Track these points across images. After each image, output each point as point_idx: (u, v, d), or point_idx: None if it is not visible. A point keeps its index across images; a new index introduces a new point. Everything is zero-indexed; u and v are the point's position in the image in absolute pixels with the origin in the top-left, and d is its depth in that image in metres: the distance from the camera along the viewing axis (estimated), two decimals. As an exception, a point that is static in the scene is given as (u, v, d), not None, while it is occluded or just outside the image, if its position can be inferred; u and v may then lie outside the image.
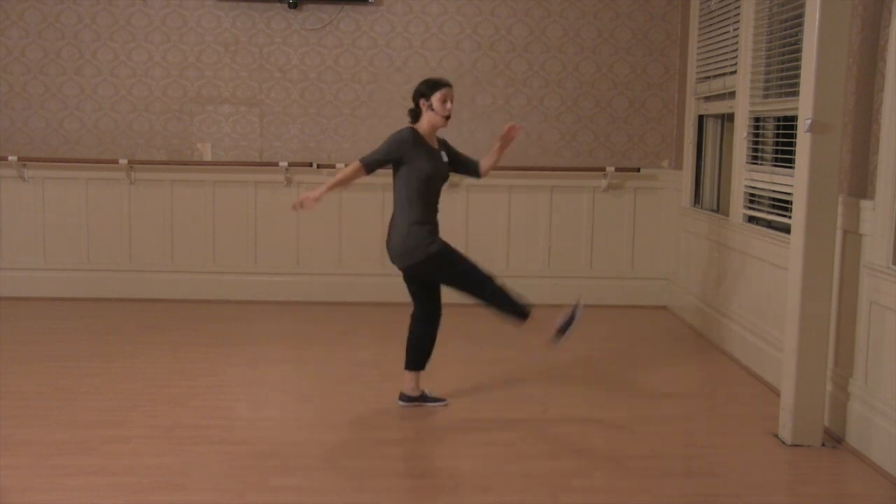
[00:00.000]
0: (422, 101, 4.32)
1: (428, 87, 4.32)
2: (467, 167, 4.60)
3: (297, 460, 3.79)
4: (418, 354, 4.50)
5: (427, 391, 4.57)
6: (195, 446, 3.90)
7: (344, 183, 4.32)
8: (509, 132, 4.48)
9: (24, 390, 4.63)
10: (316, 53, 6.85)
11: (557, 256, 7.02)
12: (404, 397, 4.53)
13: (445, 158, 4.45)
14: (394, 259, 4.38)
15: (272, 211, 6.90)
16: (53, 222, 6.88)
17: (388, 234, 4.40)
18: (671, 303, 6.94)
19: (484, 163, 4.61)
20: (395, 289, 6.82)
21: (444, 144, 4.49)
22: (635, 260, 7.05)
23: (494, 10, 6.84)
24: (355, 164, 4.28)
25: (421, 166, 4.27)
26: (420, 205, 4.30)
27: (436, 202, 4.41)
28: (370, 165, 4.27)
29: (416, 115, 4.38)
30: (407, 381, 4.52)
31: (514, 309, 4.29)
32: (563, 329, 4.30)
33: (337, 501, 3.43)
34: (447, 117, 4.34)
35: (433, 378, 4.67)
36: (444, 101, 4.30)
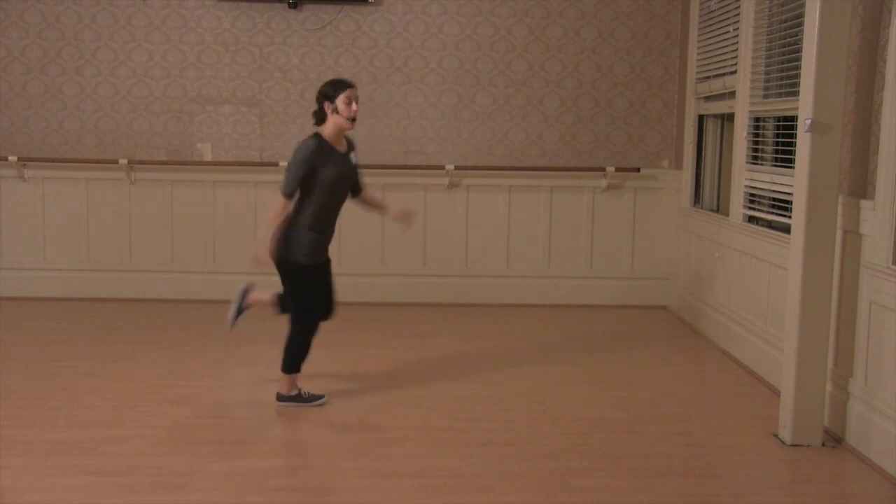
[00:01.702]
0: (326, 104, 4.23)
1: (332, 89, 4.23)
2: (355, 186, 4.53)
3: (297, 460, 3.79)
4: (294, 357, 4.46)
5: (304, 390, 4.52)
6: (195, 446, 3.90)
7: (275, 222, 4.24)
8: (404, 218, 4.62)
9: (24, 390, 4.63)
10: (316, 53, 6.85)
11: (557, 256, 7.01)
12: (280, 397, 4.49)
13: (355, 160, 4.40)
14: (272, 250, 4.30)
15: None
16: (53, 222, 6.89)
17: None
18: (671, 303, 6.94)
19: (370, 197, 4.63)
20: (396, 289, 6.85)
21: (352, 146, 4.44)
22: (635, 260, 7.05)
23: (494, 10, 6.85)
24: (280, 201, 4.21)
25: (327, 174, 4.22)
26: (315, 209, 4.27)
27: (335, 209, 4.38)
28: (288, 192, 4.21)
29: (321, 117, 4.29)
30: (284, 382, 4.48)
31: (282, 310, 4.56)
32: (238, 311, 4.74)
33: (337, 501, 3.43)
34: (353, 119, 4.25)
35: (433, 377, 4.66)
36: (349, 103, 4.22)
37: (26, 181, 6.84)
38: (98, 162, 6.79)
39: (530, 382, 4.98)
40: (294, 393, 4.48)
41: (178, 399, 4.54)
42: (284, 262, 4.32)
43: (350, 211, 6.89)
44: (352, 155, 4.41)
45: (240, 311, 4.79)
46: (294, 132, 6.90)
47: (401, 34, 6.84)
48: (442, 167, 6.80)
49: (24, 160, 6.78)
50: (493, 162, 6.93)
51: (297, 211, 4.29)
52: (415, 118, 6.87)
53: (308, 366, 4.66)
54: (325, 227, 4.38)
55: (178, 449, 3.87)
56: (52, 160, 6.81)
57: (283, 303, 4.55)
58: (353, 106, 4.24)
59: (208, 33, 6.82)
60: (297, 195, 4.27)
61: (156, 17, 6.80)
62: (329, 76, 6.83)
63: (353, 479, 3.60)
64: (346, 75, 6.85)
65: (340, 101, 4.21)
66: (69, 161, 6.81)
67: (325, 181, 4.24)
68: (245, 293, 4.78)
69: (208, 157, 6.90)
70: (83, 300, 6.79)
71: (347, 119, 4.23)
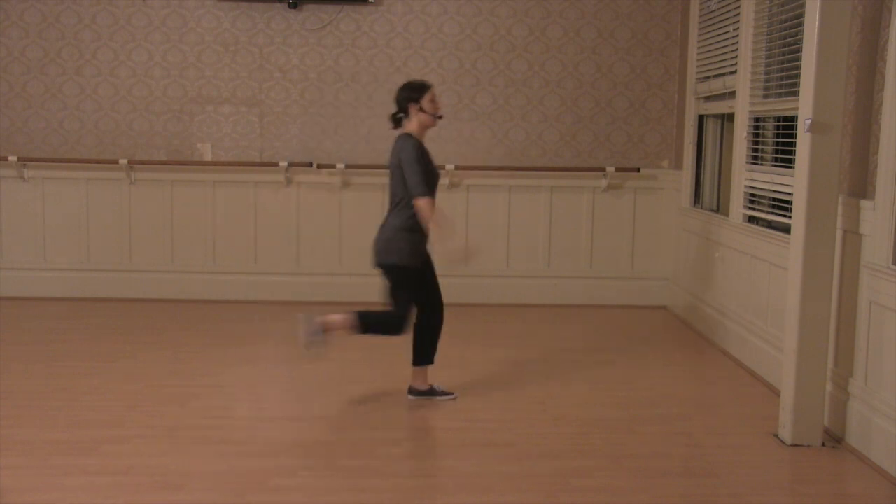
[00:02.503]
0: (411, 106, 4.37)
1: (415, 91, 4.39)
2: None
3: (297, 460, 3.79)
4: (424, 348, 4.57)
5: (436, 385, 4.64)
6: (195, 446, 3.90)
7: (433, 216, 4.29)
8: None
9: (24, 390, 4.63)
10: (316, 53, 6.85)
11: (557, 256, 7.02)
12: (413, 391, 4.59)
13: None
14: (374, 254, 4.41)
15: (272, 211, 6.90)
16: (53, 222, 6.89)
17: (378, 234, 4.43)
18: (671, 303, 6.94)
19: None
20: (395, 289, 6.85)
21: None
22: (635, 260, 7.06)
23: (494, 10, 6.85)
24: (426, 201, 4.24)
25: (427, 172, 4.33)
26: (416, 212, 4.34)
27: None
28: (426, 192, 4.26)
29: (399, 120, 4.44)
30: (415, 376, 4.59)
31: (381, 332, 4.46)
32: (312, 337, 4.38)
33: (337, 501, 3.43)
34: (440, 117, 4.43)
35: (433, 378, 4.67)
36: (433, 102, 4.39)
37: (26, 181, 6.84)
38: (98, 162, 6.79)
39: (530, 382, 4.98)
40: (426, 388, 4.61)
41: (178, 399, 4.54)
42: (392, 267, 4.36)
43: (349, 211, 6.92)
44: None
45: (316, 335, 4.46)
46: (294, 132, 6.90)
47: (401, 34, 6.85)
48: (442, 167, 6.78)
49: (24, 160, 6.78)
50: (493, 162, 6.93)
51: (399, 216, 4.35)
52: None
53: (308, 365, 4.68)
54: (425, 229, 4.40)
55: (178, 449, 3.87)
56: (52, 160, 6.81)
57: (365, 323, 4.45)
58: (438, 104, 4.43)
59: (208, 33, 6.82)
60: (398, 201, 4.34)
61: (156, 17, 6.80)
62: (329, 76, 6.86)
63: (353, 479, 3.60)
64: (345, 75, 6.87)
65: (426, 100, 4.37)
66: (69, 161, 6.81)
67: (430, 176, 4.33)
68: (316, 327, 4.39)
69: (208, 157, 6.90)
70: (83, 300, 6.80)
71: (434, 117, 4.39)
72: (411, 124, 4.41)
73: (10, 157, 6.71)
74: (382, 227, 4.43)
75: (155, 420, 4.23)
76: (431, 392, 4.62)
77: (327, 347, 4.43)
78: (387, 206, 4.47)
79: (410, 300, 4.43)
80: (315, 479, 3.61)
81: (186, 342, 5.70)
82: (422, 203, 4.26)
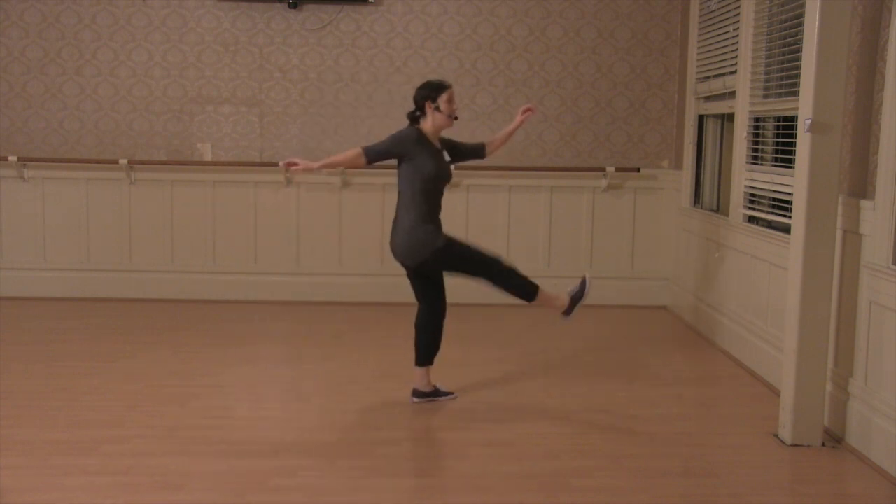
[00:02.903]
0: (427, 104, 4.37)
1: (433, 90, 4.39)
2: (475, 151, 4.72)
3: (297, 460, 3.79)
4: (427, 350, 4.57)
5: (439, 385, 4.65)
6: (195, 446, 3.90)
7: (339, 164, 4.41)
8: (525, 114, 4.70)
9: (24, 390, 4.63)
10: (316, 53, 6.85)
11: (557, 256, 7.01)
12: (417, 393, 4.59)
13: (448, 158, 4.51)
14: (399, 256, 4.43)
15: (272, 211, 6.90)
16: (53, 222, 6.89)
17: (393, 233, 4.44)
18: (671, 303, 6.94)
19: (491, 143, 4.77)
20: (395, 289, 6.82)
21: (445, 143, 4.54)
22: (635, 260, 7.06)
23: (494, 10, 6.85)
24: (356, 150, 4.33)
25: (426, 165, 4.32)
26: (424, 204, 4.35)
27: (439, 201, 4.46)
28: (370, 154, 4.31)
29: (415, 118, 4.44)
30: (418, 378, 4.58)
31: (523, 288, 4.40)
32: (574, 302, 4.44)
33: (337, 501, 3.43)
34: (455, 118, 4.43)
35: (433, 379, 4.66)
36: (450, 102, 4.39)
37: (26, 181, 6.84)
38: (98, 162, 6.79)
39: (530, 382, 4.98)
40: (430, 389, 4.61)
41: (178, 399, 4.54)
42: (434, 258, 4.34)
43: (348, 212, 6.92)
44: (444, 153, 4.49)
45: (576, 300, 4.50)
46: (294, 132, 6.91)
47: (401, 34, 6.85)
48: (442, 167, 6.79)
49: (24, 160, 6.78)
50: (493, 162, 6.90)
51: (410, 212, 4.34)
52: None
53: (308, 365, 4.68)
54: (435, 217, 4.42)
55: (178, 449, 3.87)
56: (52, 160, 6.81)
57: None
58: (454, 105, 4.42)
59: (208, 33, 6.82)
60: (407, 192, 4.34)
61: (156, 17, 6.80)
62: (329, 76, 6.86)
63: (353, 479, 3.60)
64: (345, 75, 6.87)
65: (443, 100, 4.37)
66: (69, 161, 6.81)
67: (426, 173, 4.32)
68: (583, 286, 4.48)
69: (208, 157, 6.90)
70: (83, 300, 6.80)
71: (449, 117, 4.39)
72: (426, 123, 4.40)
73: (10, 157, 6.71)
74: (396, 226, 4.42)
75: (155, 420, 4.23)
76: (436, 393, 4.62)
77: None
78: (398, 203, 4.45)
79: (478, 253, 4.38)
80: (315, 479, 3.60)
81: (186, 342, 5.70)
82: (353, 150, 4.32)
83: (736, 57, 5.60)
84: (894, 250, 3.80)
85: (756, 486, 3.62)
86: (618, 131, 6.96)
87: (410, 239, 4.34)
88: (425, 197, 4.34)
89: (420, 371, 4.58)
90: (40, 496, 3.38)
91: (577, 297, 4.44)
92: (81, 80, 6.83)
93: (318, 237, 6.95)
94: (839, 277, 4.14)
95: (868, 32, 4.01)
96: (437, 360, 4.62)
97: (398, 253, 4.42)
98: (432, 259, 4.35)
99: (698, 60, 6.40)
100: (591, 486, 3.58)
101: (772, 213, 5.14)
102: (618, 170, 6.86)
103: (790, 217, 4.19)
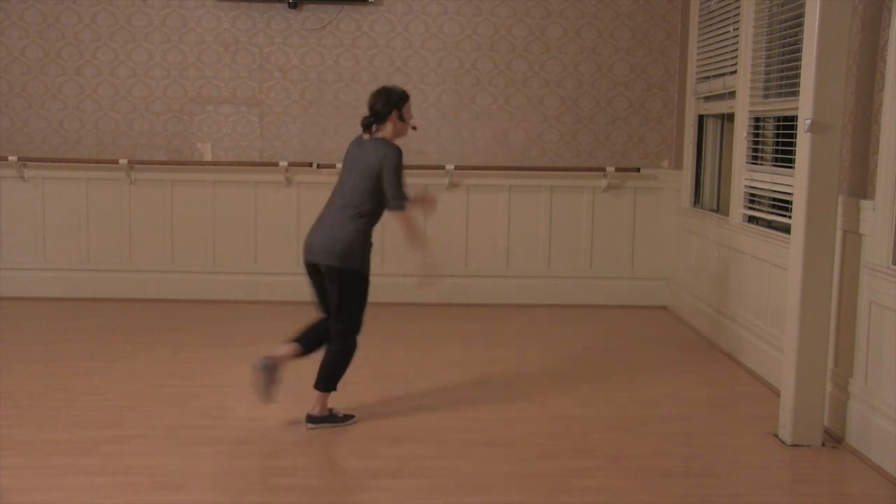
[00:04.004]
0: (394, 112, 4.19)
1: (401, 98, 4.21)
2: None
3: (297, 460, 3.79)
4: (334, 373, 4.22)
5: (335, 409, 4.30)
6: (195, 446, 3.90)
7: (419, 226, 4.25)
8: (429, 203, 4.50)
9: (24, 390, 4.63)
10: (316, 53, 6.85)
11: (557, 256, 7.01)
12: (311, 418, 4.22)
13: None
14: (317, 254, 4.11)
15: (272, 211, 6.90)
16: (53, 222, 6.89)
17: (319, 230, 4.15)
18: (671, 303, 6.94)
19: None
20: (395, 289, 6.84)
21: None
22: (635, 260, 7.05)
23: (494, 10, 6.85)
24: (404, 213, 4.12)
25: None
26: (374, 222, 4.21)
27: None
28: (408, 200, 4.16)
29: (370, 126, 4.21)
30: (316, 401, 4.23)
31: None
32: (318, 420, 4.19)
33: (337, 501, 3.43)
34: (414, 127, 4.32)
35: (433, 377, 4.66)
36: (409, 110, 4.27)
37: (26, 181, 6.84)
38: (98, 162, 6.79)
39: (530, 382, 4.98)
40: (326, 413, 4.25)
41: (178, 399, 4.54)
42: (352, 273, 4.12)
43: (350, 211, 6.91)
44: None
45: (271, 380, 4.17)
46: (294, 132, 6.90)
47: (401, 34, 6.84)
48: (442, 167, 6.80)
49: (24, 160, 6.78)
50: (493, 162, 6.93)
51: (365, 220, 4.16)
52: (415, 118, 6.85)
53: (308, 365, 4.64)
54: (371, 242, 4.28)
55: (178, 449, 3.87)
56: (52, 160, 6.81)
57: (306, 344, 4.24)
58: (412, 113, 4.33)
59: (208, 33, 6.82)
60: (365, 204, 4.13)
61: (156, 17, 6.80)
62: (329, 76, 6.86)
63: (353, 479, 3.60)
64: (345, 75, 6.87)
65: (407, 110, 4.25)
66: (69, 161, 6.81)
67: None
68: (267, 368, 4.14)
69: (208, 157, 6.90)
70: (83, 300, 6.79)
71: (411, 127, 4.29)
72: (384, 131, 4.19)
73: (10, 157, 6.71)
74: (327, 225, 4.14)
75: (155, 420, 4.23)
76: (331, 418, 4.24)
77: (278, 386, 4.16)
78: (336, 205, 4.18)
79: (362, 312, 4.18)
80: (315, 479, 3.61)
81: (186, 342, 5.70)
82: (409, 216, 4.13)
83: (736, 57, 5.60)
84: (894, 250, 3.80)
85: (756, 486, 3.62)
86: (618, 131, 6.96)
87: (350, 243, 4.07)
88: (378, 216, 4.20)
89: (319, 395, 4.23)
90: (40, 496, 3.38)
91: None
92: (81, 80, 6.83)
93: (318, 237, 6.93)
94: (839, 277, 4.14)
95: (868, 32, 4.01)
96: (438, 360, 4.61)
97: (319, 250, 4.11)
98: (352, 274, 4.08)
99: (698, 60, 6.40)
100: (591, 486, 3.58)
101: (772, 213, 5.14)
102: (618, 170, 6.86)
103: (790, 217, 4.19)
